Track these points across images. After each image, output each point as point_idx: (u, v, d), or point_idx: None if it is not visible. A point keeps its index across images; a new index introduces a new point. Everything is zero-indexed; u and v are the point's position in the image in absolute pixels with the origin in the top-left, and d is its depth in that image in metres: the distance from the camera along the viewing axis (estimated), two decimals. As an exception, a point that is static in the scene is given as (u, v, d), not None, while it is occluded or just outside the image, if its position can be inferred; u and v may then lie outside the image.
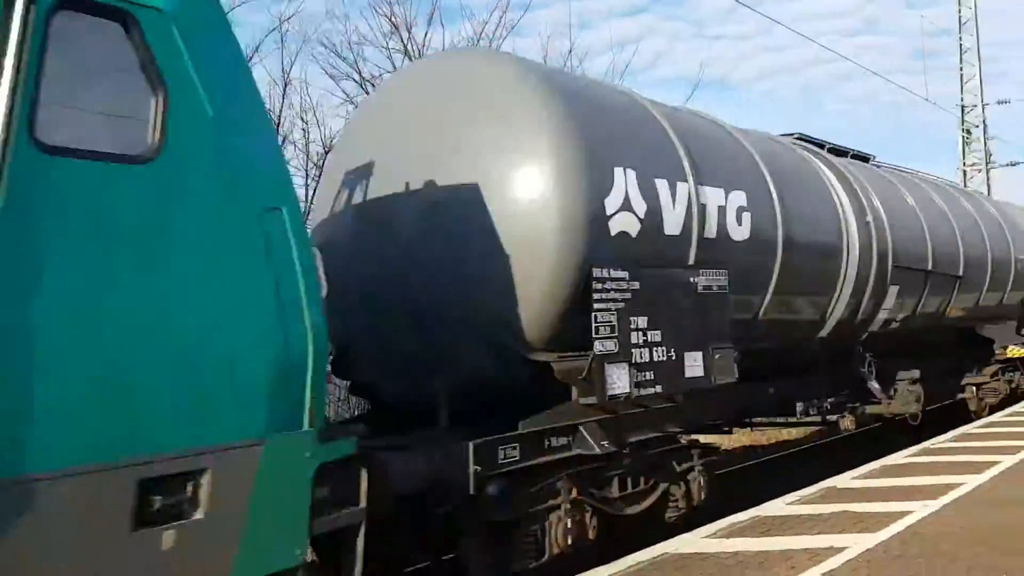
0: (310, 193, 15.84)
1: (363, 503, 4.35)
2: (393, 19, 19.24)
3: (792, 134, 11.31)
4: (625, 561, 6.19)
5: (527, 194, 6.07)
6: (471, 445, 5.42)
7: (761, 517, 7.44)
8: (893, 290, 10.63)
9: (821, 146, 11.43)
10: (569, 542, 6.14)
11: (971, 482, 8.30)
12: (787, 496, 8.24)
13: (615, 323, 6.24)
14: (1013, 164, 35.95)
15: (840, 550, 6.21)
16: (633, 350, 6.40)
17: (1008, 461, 9.27)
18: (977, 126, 35.03)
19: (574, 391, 6.13)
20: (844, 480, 8.93)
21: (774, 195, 8.45)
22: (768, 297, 8.35)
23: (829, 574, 5.70)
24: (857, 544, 6.34)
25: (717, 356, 7.26)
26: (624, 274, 6.35)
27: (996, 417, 13.08)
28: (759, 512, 7.62)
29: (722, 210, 7.65)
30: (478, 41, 19.75)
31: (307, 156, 19.01)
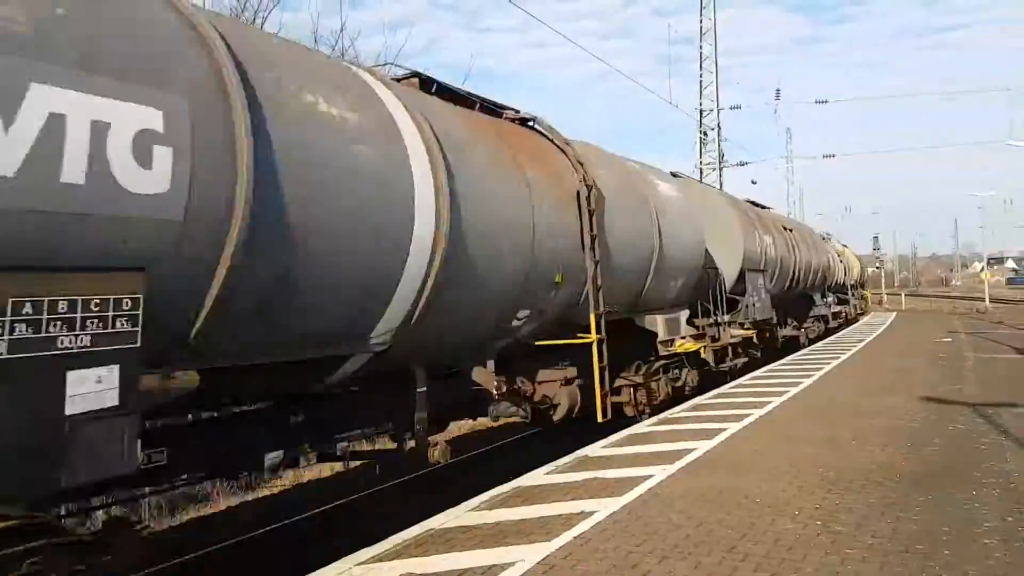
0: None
1: None
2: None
3: None
4: (391, 540, 6.27)
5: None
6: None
7: (521, 488, 7.80)
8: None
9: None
10: None
11: (702, 447, 9.21)
12: (545, 466, 8.70)
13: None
14: (742, 164, 39.99)
15: (590, 514, 6.69)
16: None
17: (733, 428, 10.38)
18: (713, 128, 38.55)
19: None
20: (595, 449, 9.57)
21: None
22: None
23: (580, 537, 6.12)
24: (605, 508, 6.86)
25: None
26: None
27: (725, 388, 14.53)
28: (520, 483, 7.99)
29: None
30: (241, 13, 18.70)
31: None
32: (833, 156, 46.73)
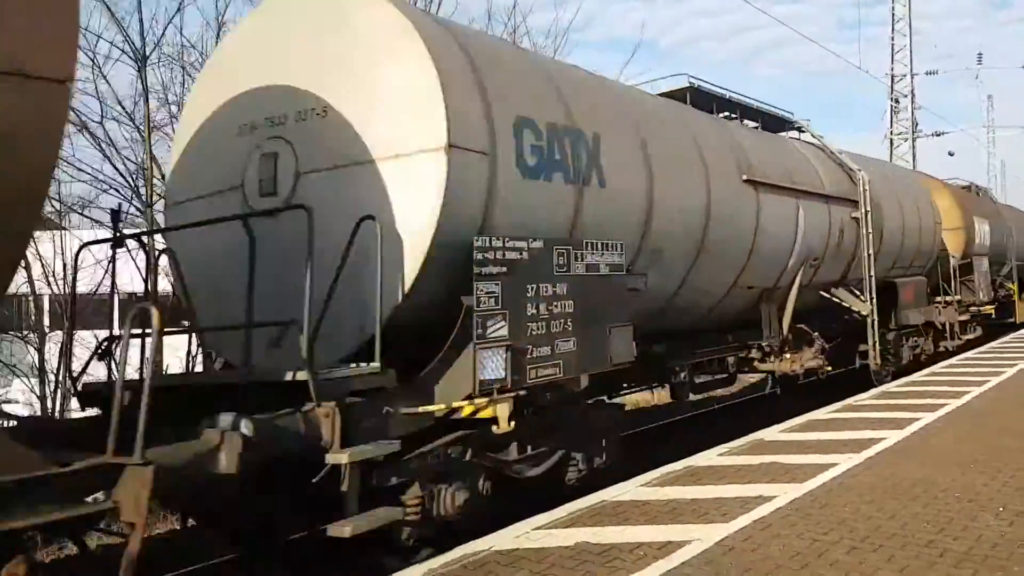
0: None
1: None
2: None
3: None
4: (565, 508, 6.30)
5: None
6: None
7: (693, 467, 7.62)
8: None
9: None
10: None
11: (892, 437, 8.64)
12: (718, 448, 8.46)
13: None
14: (938, 134, 37.02)
15: (770, 499, 6.42)
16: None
17: (927, 418, 9.66)
18: (905, 96, 35.90)
19: None
20: (772, 433, 9.20)
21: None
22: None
23: (760, 521, 5.89)
24: (786, 493, 6.56)
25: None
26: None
27: (916, 376, 13.60)
28: (692, 463, 7.81)
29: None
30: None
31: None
32: (1044, 126, 42.28)
